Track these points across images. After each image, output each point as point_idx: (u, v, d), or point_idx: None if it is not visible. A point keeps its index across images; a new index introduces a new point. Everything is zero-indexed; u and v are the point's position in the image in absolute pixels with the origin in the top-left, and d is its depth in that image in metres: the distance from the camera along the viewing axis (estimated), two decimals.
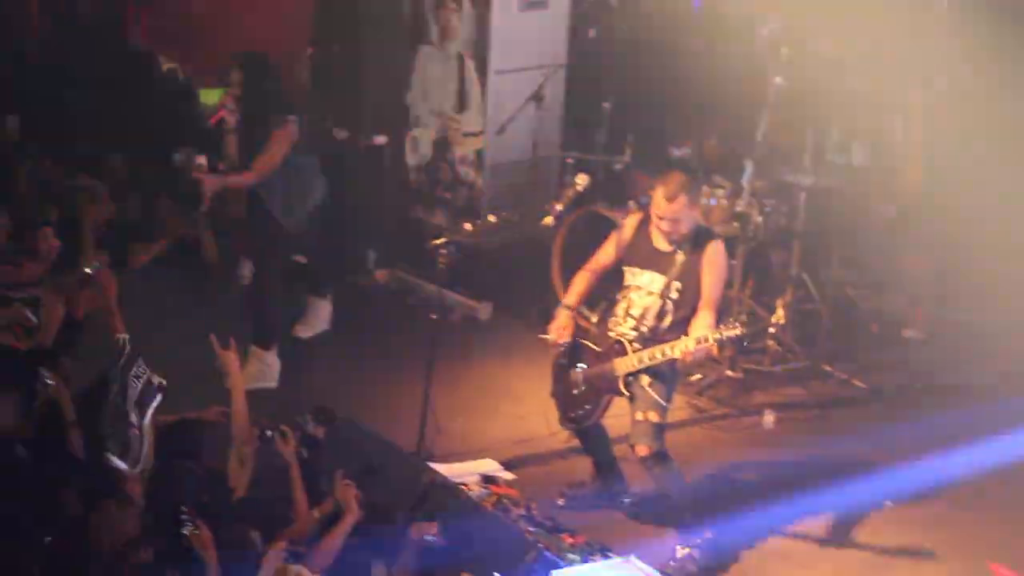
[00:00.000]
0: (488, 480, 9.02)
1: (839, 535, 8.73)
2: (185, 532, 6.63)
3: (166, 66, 14.75)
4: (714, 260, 8.26)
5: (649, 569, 7.91)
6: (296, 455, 7.86)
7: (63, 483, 6.80)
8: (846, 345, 11.10)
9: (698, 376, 10.34)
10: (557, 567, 7.99)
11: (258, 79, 9.95)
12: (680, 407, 9.70)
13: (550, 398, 8.87)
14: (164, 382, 7.73)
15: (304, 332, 10.78)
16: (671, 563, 8.26)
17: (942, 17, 11.57)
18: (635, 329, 8.33)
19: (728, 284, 9.24)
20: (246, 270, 10.00)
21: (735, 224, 10.55)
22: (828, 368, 10.74)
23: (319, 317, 10.87)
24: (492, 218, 9.47)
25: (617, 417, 8.72)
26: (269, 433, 7.89)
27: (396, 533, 7.53)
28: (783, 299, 10.79)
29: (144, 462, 7.58)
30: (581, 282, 8.65)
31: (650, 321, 8.32)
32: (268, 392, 9.82)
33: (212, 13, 14.67)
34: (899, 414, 10.23)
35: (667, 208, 8.22)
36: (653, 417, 8.22)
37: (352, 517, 7.41)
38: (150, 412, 7.50)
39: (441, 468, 8.95)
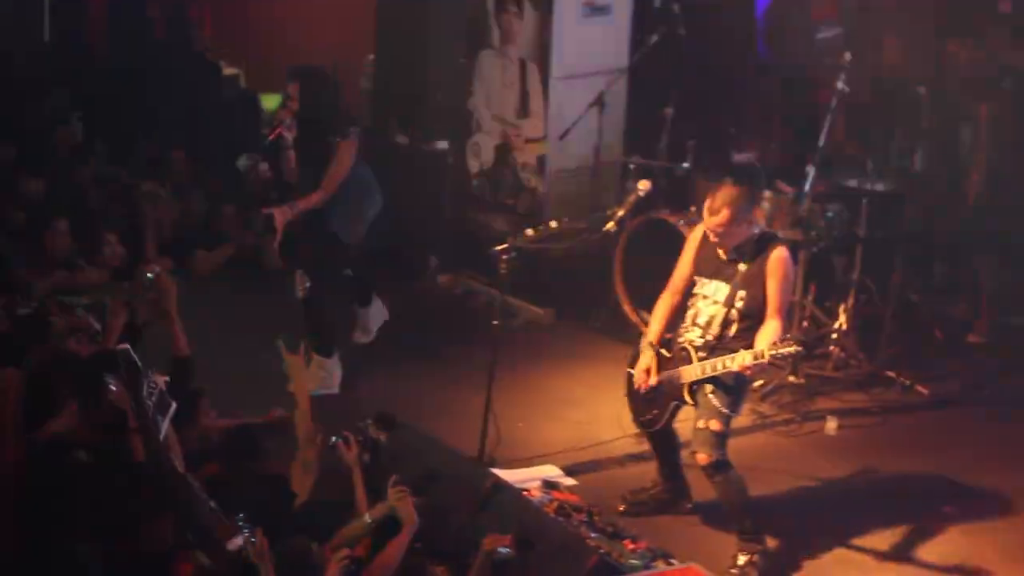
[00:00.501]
0: (549, 486, 9.00)
1: (901, 545, 8.63)
2: (241, 541, 6.65)
3: (227, 71, 14.88)
4: (777, 267, 8.18)
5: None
6: (358, 460, 7.89)
7: (126, 490, 6.82)
8: (909, 351, 11.02)
9: (760, 382, 10.31)
10: (619, 573, 7.98)
11: (315, 93, 9.83)
12: (742, 413, 9.66)
13: (624, 398, 8.84)
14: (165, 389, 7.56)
15: (363, 337, 10.66)
16: (732, 570, 8.22)
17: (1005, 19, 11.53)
18: (702, 337, 8.32)
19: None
20: (301, 282, 9.98)
21: (798, 229, 10.51)
22: (891, 374, 10.66)
23: (373, 319, 10.75)
24: (554, 224, 9.42)
25: (687, 422, 8.68)
26: (335, 439, 7.93)
27: (458, 539, 7.53)
28: (845, 304, 10.75)
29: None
30: (663, 308, 8.54)
31: (716, 330, 8.27)
32: (329, 398, 9.82)
33: (274, 19, 14.79)
34: (963, 423, 10.16)
35: (709, 221, 8.20)
36: (714, 426, 8.20)
37: (411, 527, 7.36)
38: (166, 422, 7.33)
39: (503, 474, 8.94)
